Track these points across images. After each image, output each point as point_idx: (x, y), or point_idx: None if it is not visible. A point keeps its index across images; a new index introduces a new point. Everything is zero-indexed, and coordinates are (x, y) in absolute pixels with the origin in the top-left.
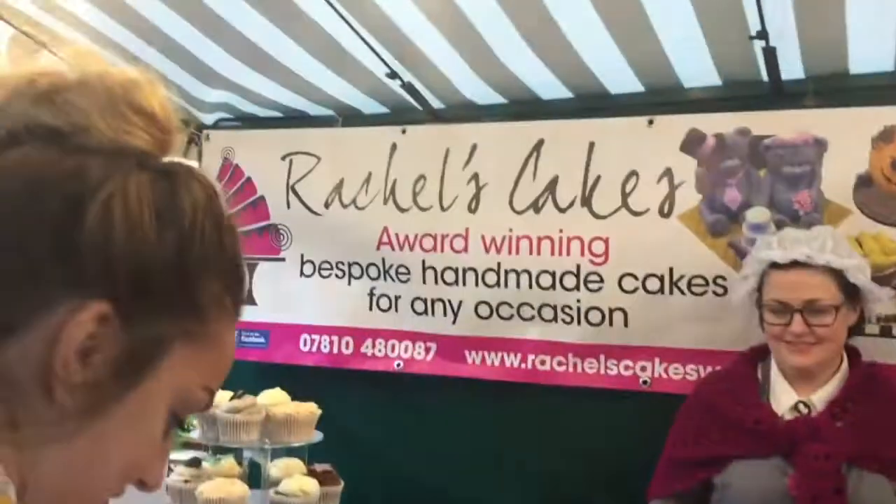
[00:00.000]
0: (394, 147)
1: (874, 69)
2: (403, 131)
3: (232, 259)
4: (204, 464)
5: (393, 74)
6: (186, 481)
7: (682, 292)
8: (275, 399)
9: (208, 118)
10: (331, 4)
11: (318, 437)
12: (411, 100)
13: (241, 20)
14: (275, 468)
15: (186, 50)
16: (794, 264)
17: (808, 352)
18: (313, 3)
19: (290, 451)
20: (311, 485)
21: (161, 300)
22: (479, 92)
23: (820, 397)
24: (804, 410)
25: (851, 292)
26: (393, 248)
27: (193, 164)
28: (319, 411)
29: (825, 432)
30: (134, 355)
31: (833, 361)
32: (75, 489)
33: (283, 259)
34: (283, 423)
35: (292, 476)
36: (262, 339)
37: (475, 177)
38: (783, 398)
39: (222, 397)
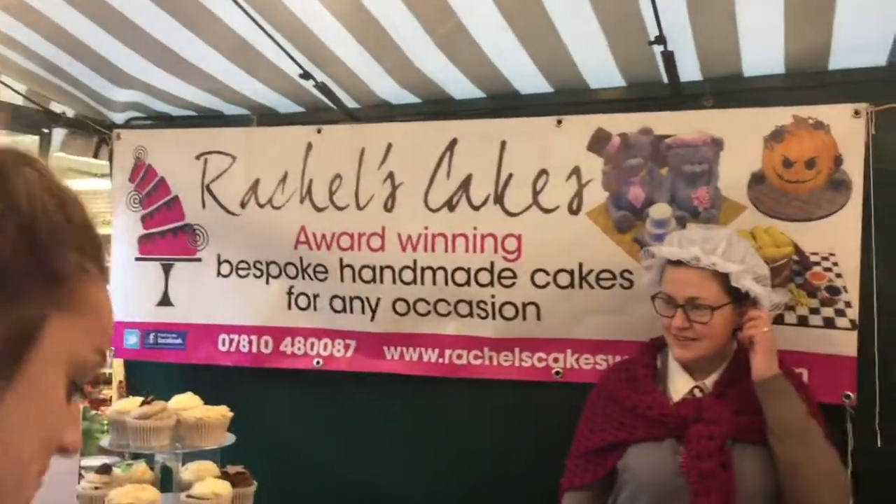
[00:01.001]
0: (309, 146)
1: (766, 72)
2: (319, 131)
3: (83, 227)
4: (115, 470)
5: (306, 75)
6: (97, 488)
7: (591, 286)
8: (186, 403)
9: (119, 117)
10: (239, 5)
11: (230, 439)
12: (326, 100)
13: (148, 21)
14: (187, 472)
15: (93, 51)
16: (684, 263)
17: (689, 346)
18: (222, 4)
19: (205, 455)
20: (223, 487)
21: (21, 285)
22: (393, 92)
23: (713, 380)
24: (699, 394)
25: (739, 293)
26: (310, 248)
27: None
28: (231, 414)
29: (709, 412)
30: (8, 341)
31: (718, 354)
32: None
33: (199, 259)
34: (194, 427)
35: (204, 479)
36: (179, 341)
37: (390, 175)
38: (679, 384)
39: (132, 403)
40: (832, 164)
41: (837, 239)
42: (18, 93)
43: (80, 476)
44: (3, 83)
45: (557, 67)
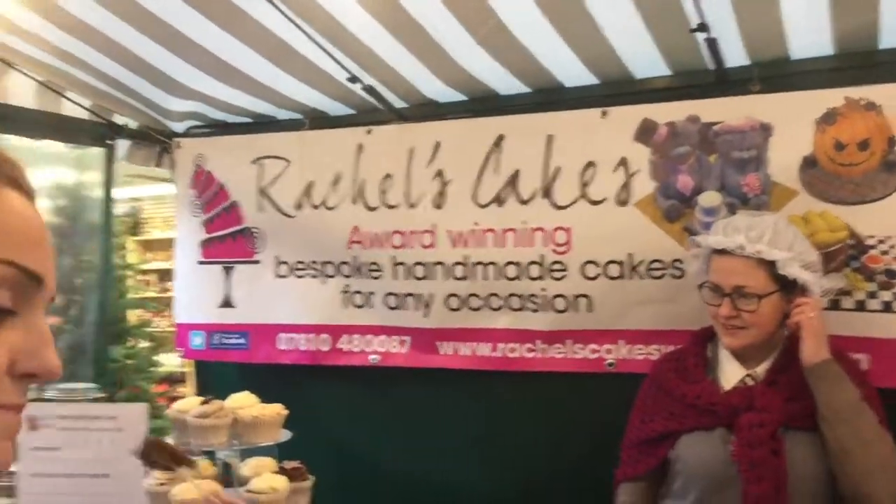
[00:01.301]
0: (360, 147)
1: (814, 54)
2: (369, 132)
3: None
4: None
5: (354, 79)
6: (162, 484)
7: (642, 276)
8: (242, 402)
9: (179, 126)
10: (286, 16)
11: (285, 436)
12: (374, 101)
13: (202, 34)
14: (246, 467)
15: (152, 65)
16: (729, 251)
17: (737, 334)
18: (271, 15)
19: (263, 451)
20: (281, 481)
21: None
22: (439, 91)
23: (764, 368)
24: (750, 383)
25: (788, 281)
26: (363, 247)
27: None
28: (286, 412)
29: (760, 401)
30: None
31: (768, 342)
32: None
33: (258, 261)
34: (250, 424)
35: (262, 475)
36: (242, 341)
37: (440, 173)
38: (730, 372)
39: (192, 402)
40: (886, 145)
41: (894, 221)
42: (83, 107)
43: (147, 473)
44: (68, 99)
45: (601, 59)
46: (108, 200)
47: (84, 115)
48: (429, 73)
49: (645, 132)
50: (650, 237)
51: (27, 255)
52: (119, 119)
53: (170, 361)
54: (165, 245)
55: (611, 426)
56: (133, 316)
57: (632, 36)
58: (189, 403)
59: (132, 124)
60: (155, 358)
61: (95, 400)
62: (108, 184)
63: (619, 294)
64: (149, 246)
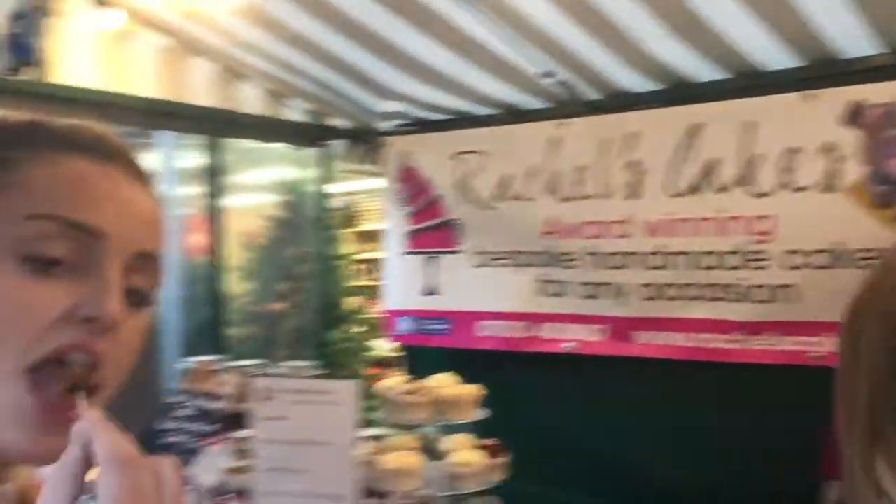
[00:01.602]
0: (554, 140)
1: None
2: (562, 124)
3: (18, 125)
4: (386, 439)
5: (547, 74)
6: (373, 453)
7: (851, 266)
8: (443, 382)
9: (386, 126)
10: (478, 15)
11: (482, 414)
12: (567, 94)
13: (404, 39)
14: (446, 443)
15: (361, 71)
16: None
17: None
18: (466, 17)
19: (463, 428)
20: (479, 456)
21: None
22: (634, 81)
23: None
24: None
25: None
26: (558, 237)
27: None
28: (483, 392)
29: None
30: None
31: None
32: None
33: (460, 252)
34: (450, 403)
35: (461, 449)
36: (445, 327)
37: (635, 164)
38: None
39: (398, 381)
40: None
41: None
42: (303, 112)
43: (357, 445)
44: (290, 105)
45: (802, 39)
46: (323, 196)
47: (303, 118)
48: (622, 64)
49: (854, 115)
50: (860, 225)
51: (79, 210)
52: (333, 121)
53: (382, 346)
54: (379, 236)
55: (812, 420)
56: (349, 303)
57: (837, 11)
58: (394, 382)
59: (345, 126)
60: (368, 343)
61: (316, 377)
62: (324, 181)
63: (826, 284)
64: (365, 237)
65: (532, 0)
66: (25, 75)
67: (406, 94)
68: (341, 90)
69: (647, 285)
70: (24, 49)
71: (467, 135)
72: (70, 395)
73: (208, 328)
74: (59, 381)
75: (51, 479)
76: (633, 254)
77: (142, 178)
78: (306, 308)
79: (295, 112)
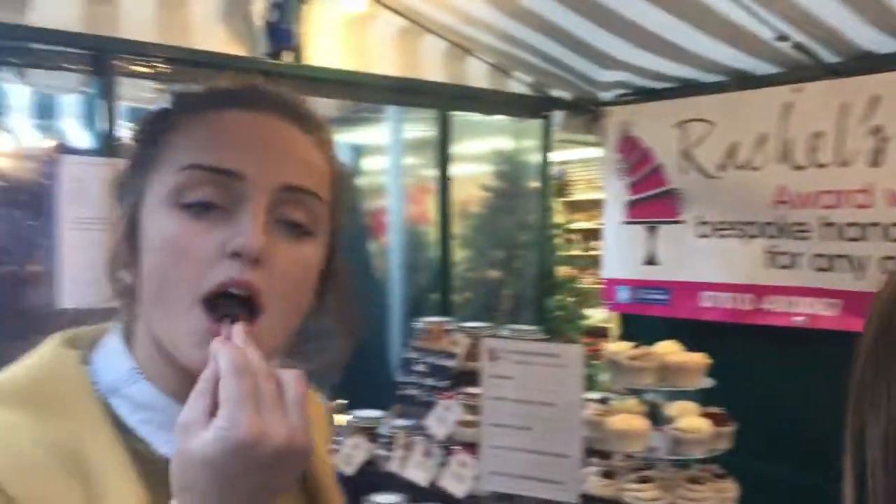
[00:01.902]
0: (788, 106)
1: None
2: (797, 89)
3: (182, 93)
4: (611, 402)
5: (782, 37)
6: (599, 415)
7: None
8: (668, 349)
9: (607, 95)
10: None
11: (708, 383)
12: (804, 58)
13: (628, 7)
14: (671, 409)
15: (585, 41)
16: None
17: None
18: None
19: (687, 396)
20: (705, 423)
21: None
22: (878, 41)
23: None
24: None
25: None
26: (791, 207)
27: None
28: (709, 360)
29: None
30: (125, 213)
31: None
32: (152, 301)
33: (682, 222)
34: (676, 369)
35: (687, 416)
36: (664, 296)
37: (877, 129)
38: None
39: (624, 346)
40: None
41: None
42: (527, 84)
43: (583, 405)
44: (513, 77)
45: None
46: (545, 166)
47: (525, 91)
48: (863, 23)
49: None
50: None
51: (220, 157)
52: (555, 93)
53: (594, 316)
54: (589, 206)
55: None
56: (561, 272)
57: None
58: (621, 347)
59: (566, 97)
60: (581, 311)
61: (540, 340)
62: (546, 151)
63: None
64: (574, 207)
65: None
66: (284, 59)
67: (629, 63)
68: (564, 61)
69: (888, 258)
70: (282, 35)
71: (692, 103)
72: (230, 322)
73: (432, 292)
74: (224, 309)
75: (192, 391)
76: (874, 225)
77: (301, 123)
78: (522, 276)
79: (518, 84)
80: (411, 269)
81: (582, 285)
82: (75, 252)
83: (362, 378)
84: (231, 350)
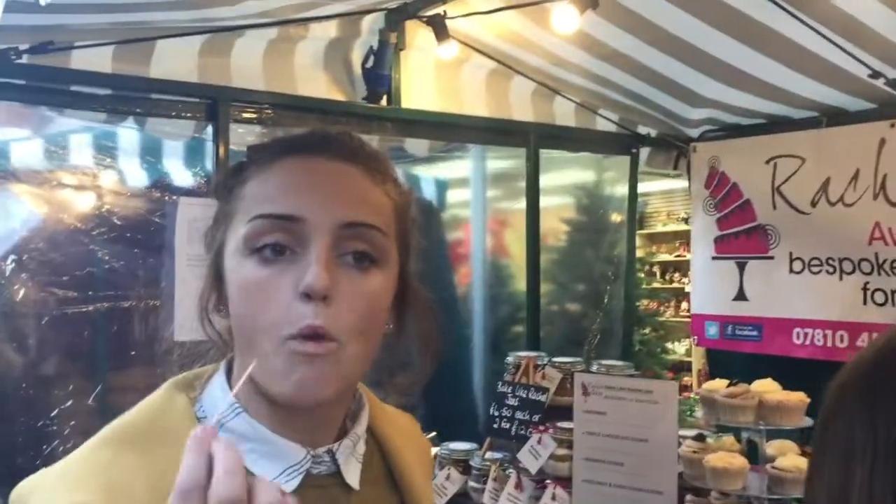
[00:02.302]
0: (882, 142)
1: None
2: (893, 125)
3: (253, 150)
4: (708, 439)
5: (875, 74)
6: (695, 452)
7: None
8: (766, 387)
9: (694, 132)
10: (799, 19)
11: (808, 422)
12: None
13: (716, 46)
14: (770, 447)
15: (672, 80)
16: None
17: None
18: (782, 19)
19: (784, 434)
20: (805, 463)
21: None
22: None
23: None
24: None
25: None
26: (886, 243)
27: None
28: (808, 400)
29: None
30: (212, 263)
31: None
32: (241, 347)
33: (771, 257)
34: (775, 408)
35: (786, 454)
36: (755, 333)
37: None
38: None
39: (719, 384)
40: None
41: None
42: (613, 122)
43: (679, 442)
44: (601, 115)
45: None
46: (631, 201)
47: (613, 128)
48: None
49: None
50: None
51: (278, 202)
52: (642, 129)
53: (676, 350)
54: (669, 238)
55: None
56: (643, 306)
57: None
58: (716, 385)
59: (652, 133)
60: (664, 346)
61: (632, 376)
62: (632, 187)
63: None
64: (653, 239)
65: (860, 2)
66: (381, 103)
67: (717, 101)
68: (651, 99)
69: None
70: (379, 80)
71: (782, 139)
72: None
73: (514, 325)
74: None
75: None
76: None
77: (358, 162)
78: (604, 309)
79: (604, 122)
80: (493, 302)
81: (663, 319)
82: (190, 288)
83: (449, 411)
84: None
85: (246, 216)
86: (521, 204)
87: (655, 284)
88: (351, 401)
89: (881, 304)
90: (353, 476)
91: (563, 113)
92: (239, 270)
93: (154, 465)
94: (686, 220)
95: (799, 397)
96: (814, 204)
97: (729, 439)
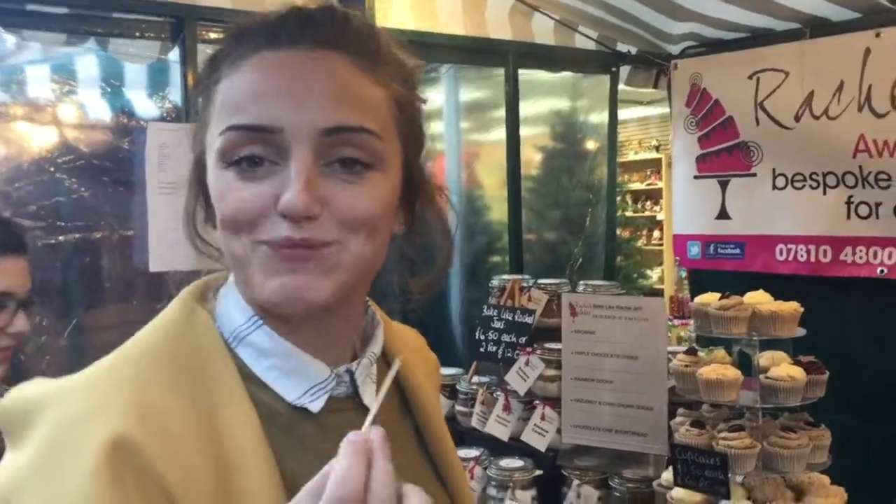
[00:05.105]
0: (867, 52)
1: None
2: (878, 35)
3: (232, 36)
4: (699, 353)
5: None
6: (686, 366)
7: None
8: (759, 298)
9: (675, 49)
10: None
11: (801, 332)
12: (886, 2)
13: None
14: (762, 358)
15: None
16: None
17: None
18: None
19: (775, 345)
20: (799, 372)
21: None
22: None
23: None
24: None
25: None
26: (871, 156)
27: None
28: (802, 309)
29: None
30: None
31: None
32: (226, 254)
33: (754, 174)
34: (768, 318)
35: (779, 364)
36: (737, 251)
37: None
38: None
39: (711, 297)
40: None
41: None
42: (592, 39)
43: (670, 358)
44: (580, 33)
45: None
46: (611, 123)
47: (592, 46)
48: None
49: None
50: None
51: (246, 113)
52: (621, 47)
53: (650, 276)
54: (641, 166)
55: None
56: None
57: None
58: (709, 297)
59: (633, 51)
60: (642, 270)
61: (620, 294)
62: (613, 107)
63: None
64: (626, 167)
65: None
66: None
67: (700, 13)
68: (632, 13)
69: None
70: None
71: (765, 52)
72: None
73: (490, 255)
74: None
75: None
76: None
77: (350, 52)
78: (585, 233)
79: (583, 40)
80: (469, 233)
81: (641, 246)
82: (163, 216)
83: (430, 338)
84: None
85: (219, 126)
86: (495, 135)
87: (628, 213)
88: (362, 317)
89: (865, 217)
90: (370, 398)
91: (542, 31)
92: (217, 184)
93: (189, 392)
94: (658, 148)
95: (793, 307)
96: (797, 118)
97: (721, 352)
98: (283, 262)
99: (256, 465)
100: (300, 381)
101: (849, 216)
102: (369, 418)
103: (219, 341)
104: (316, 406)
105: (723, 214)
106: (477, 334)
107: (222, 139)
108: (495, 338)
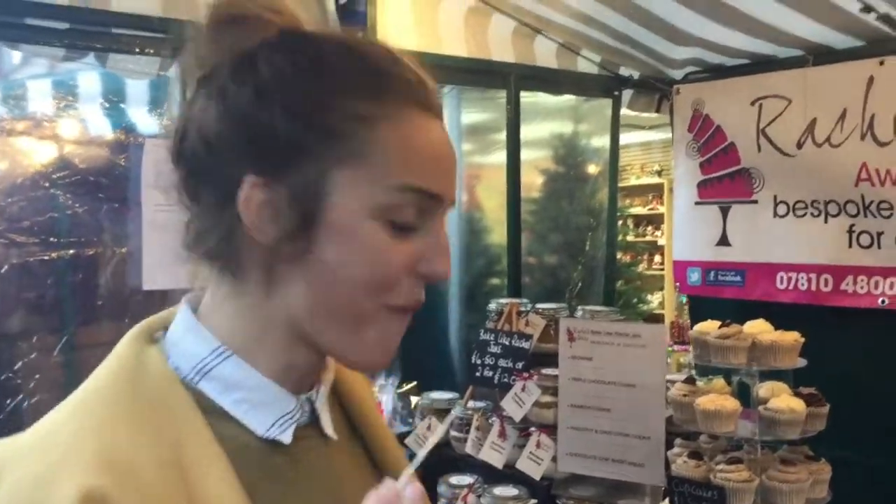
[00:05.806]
0: (871, 80)
1: None
2: (881, 63)
3: (366, 70)
4: (697, 382)
5: (867, 8)
6: (685, 395)
7: None
8: (759, 328)
9: (678, 74)
10: None
11: (801, 362)
12: (889, 30)
13: None
14: (762, 389)
15: (656, 15)
16: None
17: None
18: None
19: (775, 376)
20: (799, 404)
21: (293, 151)
22: None
23: None
24: None
25: None
26: (873, 184)
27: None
28: (803, 339)
29: None
30: (295, 204)
31: None
32: (328, 304)
33: (755, 201)
34: (768, 349)
35: (779, 396)
36: (738, 278)
37: None
38: None
39: (711, 326)
40: None
41: None
42: (595, 62)
43: (668, 386)
44: (584, 57)
45: None
46: (613, 147)
47: (594, 70)
48: None
49: None
50: None
51: (427, 176)
52: (624, 72)
53: (650, 301)
54: (642, 191)
55: None
56: (622, 257)
57: None
58: (708, 326)
59: (635, 75)
60: (641, 296)
61: (619, 321)
62: (615, 131)
63: None
64: (627, 192)
65: None
66: None
67: (702, 39)
68: (635, 38)
69: None
70: (354, 17)
71: (768, 79)
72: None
73: (489, 278)
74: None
75: None
76: None
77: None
78: (583, 261)
79: (586, 63)
80: (468, 256)
81: (643, 270)
82: (158, 235)
83: (425, 364)
84: None
85: (386, 177)
86: (496, 157)
87: (630, 237)
88: None
89: (866, 247)
90: (328, 425)
91: (544, 54)
92: (369, 240)
93: (153, 436)
94: (660, 173)
95: (793, 337)
96: (799, 146)
97: (720, 382)
98: (402, 324)
99: (231, 502)
100: (268, 412)
101: (850, 245)
102: (404, 476)
103: (174, 378)
104: (287, 437)
105: (723, 241)
106: (473, 358)
107: (395, 196)
108: (492, 362)
